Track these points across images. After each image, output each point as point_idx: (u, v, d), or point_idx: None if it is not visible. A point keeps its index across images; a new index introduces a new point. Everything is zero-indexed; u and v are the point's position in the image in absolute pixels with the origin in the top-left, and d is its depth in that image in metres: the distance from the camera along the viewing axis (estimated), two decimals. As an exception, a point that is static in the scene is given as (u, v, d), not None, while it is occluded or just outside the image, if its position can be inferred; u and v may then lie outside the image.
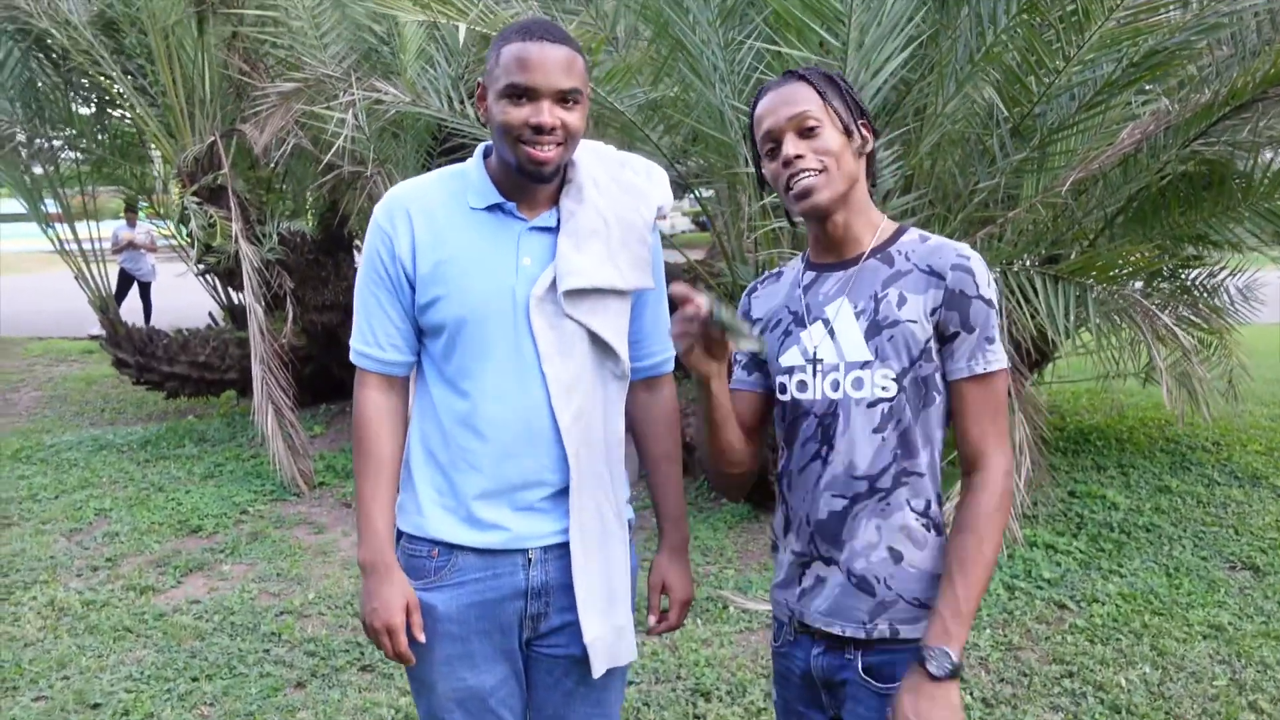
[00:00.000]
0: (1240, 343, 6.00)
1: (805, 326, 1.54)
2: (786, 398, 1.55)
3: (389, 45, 5.57)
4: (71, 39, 6.13)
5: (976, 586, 1.40)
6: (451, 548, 1.61)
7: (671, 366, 1.80)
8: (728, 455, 1.57)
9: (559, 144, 1.52)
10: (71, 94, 7.47)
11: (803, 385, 1.52)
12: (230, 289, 7.29)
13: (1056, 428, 6.31)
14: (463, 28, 3.82)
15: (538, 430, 1.58)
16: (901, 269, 1.49)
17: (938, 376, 1.48)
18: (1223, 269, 5.87)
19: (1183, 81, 4.74)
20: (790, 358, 1.55)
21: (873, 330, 1.47)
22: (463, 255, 1.57)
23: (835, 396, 1.49)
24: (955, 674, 1.39)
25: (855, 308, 1.50)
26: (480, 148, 1.67)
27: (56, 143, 7.44)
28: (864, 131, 1.51)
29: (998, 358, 1.46)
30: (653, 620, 1.77)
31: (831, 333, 1.51)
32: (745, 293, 1.70)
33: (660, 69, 4.37)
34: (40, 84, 7.30)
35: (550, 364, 1.58)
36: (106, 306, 7.42)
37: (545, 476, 1.60)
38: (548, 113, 1.49)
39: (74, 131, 7.48)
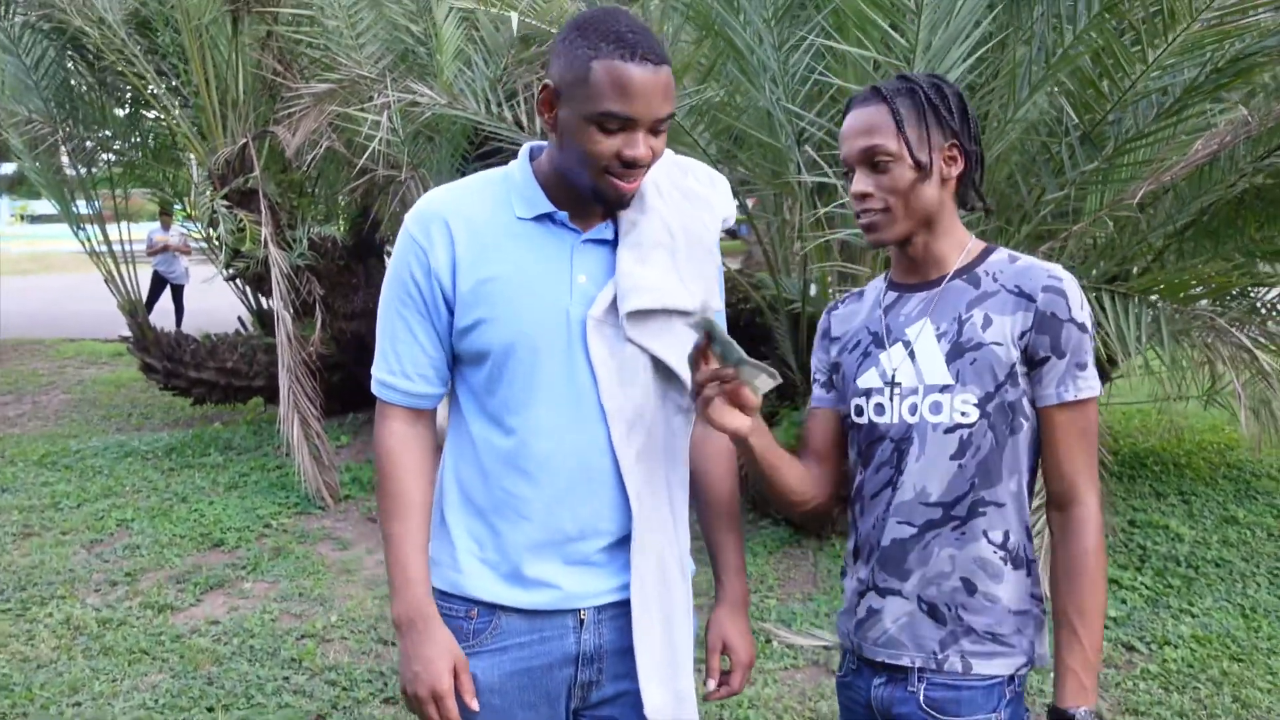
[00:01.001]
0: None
1: (885, 348, 1.47)
2: (863, 420, 1.49)
3: (426, 46, 5.41)
4: (105, 38, 6.03)
5: (1099, 634, 1.38)
6: (493, 608, 1.41)
7: None
8: (791, 496, 1.51)
9: (645, 171, 1.36)
10: (106, 95, 7.40)
11: (880, 408, 1.46)
12: (259, 295, 7.16)
13: (1110, 450, 6.03)
14: (514, 17, 3.64)
15: (596, 471, 1.39)
16: (988, 290, 1.43)
17: (1026, 402, 1.41)
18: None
19: (1254, 90, 4.48)
20: (868, 380, 1.48)
21: (955, 353, 1.41)
22: (510, 272, 1.38)
23: (911, 420, 1.43)
24: None
25: (937, 329, 1.43)
26: (525, 148, 1.47)
27: (90, 144, 7.37)
28: (950, 153, 1.43)
29: (1090, 384, 1.40)
30: (712, 685, 1.56)
31: (911, 355, 1.44)
32: (826, 310, 1.62)
33: (708, 71, 4.17)
34: (75, 84, 7.24)
35: (610, 396, 1.38)
36: (135, 310, 7.32)
37: (603, 525, 1.40)
38: (643, 145, 1.32)
39: (108, 133, 7.40)
